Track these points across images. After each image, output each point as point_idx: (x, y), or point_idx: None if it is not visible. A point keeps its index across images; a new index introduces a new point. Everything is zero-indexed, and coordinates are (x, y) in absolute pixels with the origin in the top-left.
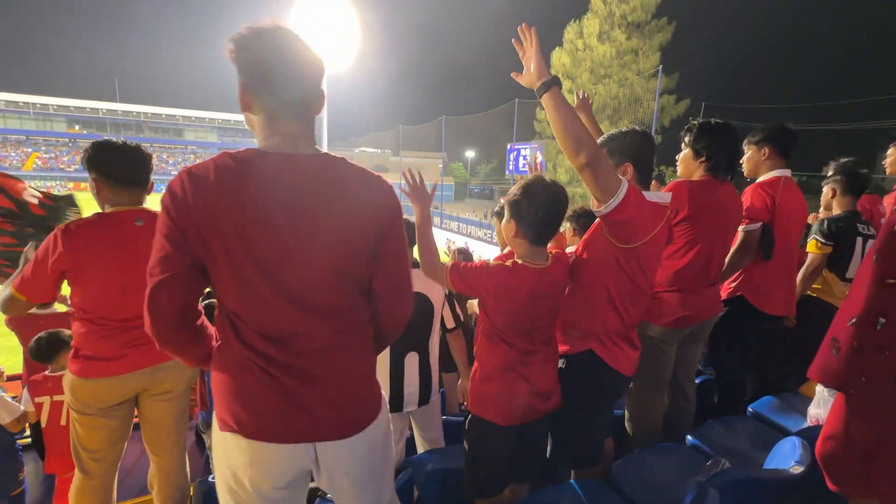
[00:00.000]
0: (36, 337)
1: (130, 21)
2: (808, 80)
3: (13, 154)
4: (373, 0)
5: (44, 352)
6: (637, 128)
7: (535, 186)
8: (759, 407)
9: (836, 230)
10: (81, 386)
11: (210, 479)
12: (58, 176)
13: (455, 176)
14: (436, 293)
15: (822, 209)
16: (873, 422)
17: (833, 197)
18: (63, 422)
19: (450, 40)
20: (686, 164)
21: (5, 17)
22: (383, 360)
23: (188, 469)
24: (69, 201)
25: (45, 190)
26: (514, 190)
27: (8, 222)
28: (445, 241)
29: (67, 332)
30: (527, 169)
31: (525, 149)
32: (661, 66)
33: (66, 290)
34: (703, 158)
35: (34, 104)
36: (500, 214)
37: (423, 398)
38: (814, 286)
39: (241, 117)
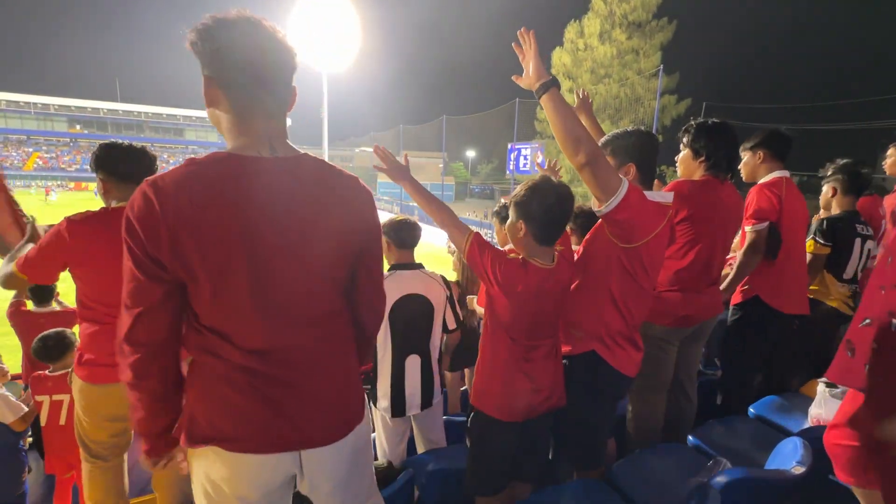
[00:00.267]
0: (42, 336)
1: (131, 21)
2: (808, 79)
3: (14, 154)
4: (373, 0)
5: (50, 352)
6: (641, 128)
7: (543, 186)
8: (760, 407)
9: (834, 231)
10: (91, 391)
11: None
12: (59, 176)
13: (456, 176)
14: (436, 294)
15: (821, 209)
16: (880, 419)
17: (833, 196)
18: (62, 421)
19: (450, 40)
20: (686, 164)
21: (6, 16)
22: (384, 364)
23: None
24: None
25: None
26: (520, 191)
27: None
28: (446, 240)
29: (72, 332)
30: (528, 169)
31: (526, 148)
32: (661, 66)
33: (65, 292)
34: (702, 158)
35: (35, 104)
36: (499, 214)
37: (426, 401)
38: (811, 287)
39: None
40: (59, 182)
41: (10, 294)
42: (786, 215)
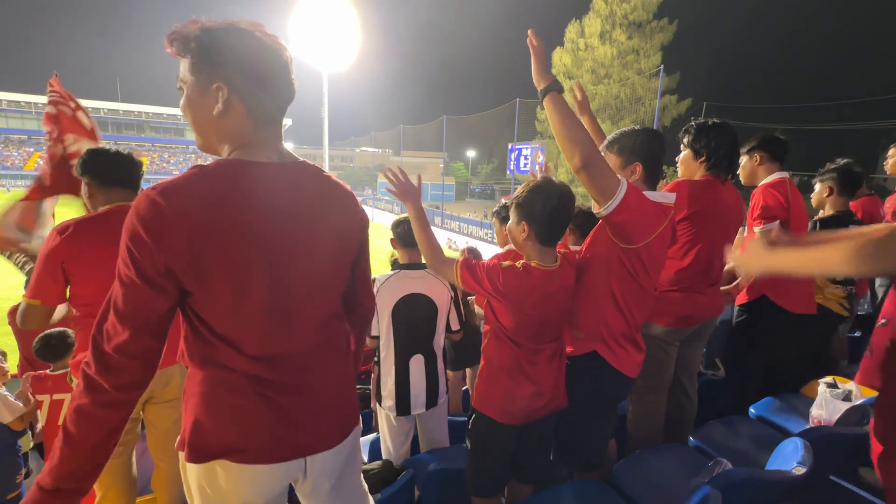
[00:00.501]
0: (44, 335)
1: (132, 20)
2: (808, 79)
3: (15, 154)
4: (373, 0)
5: (53, 351)
6: (649, 127)
7: (546, 187)
8: (761, 408)
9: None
10: None
11: None
12: None
13: (456, 175)
14: (439, 295)
15: (815, 207)
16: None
17: (828, 196)
18: (62, 421)
19: (451, 40)
20: (686, 164)
21: (7, 16)
22: (388, 364)
23: None
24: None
25: None
26: (521, 192)
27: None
28: (447, 240)
29: (73, 331)
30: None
31: (526, 148)
32: (662, 66)
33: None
34: (702, 158)
35: (36, 104)
36: (499, 214)
37: (431, 400)
38: None
39: None
40: None
41: (10, 294)
42: (792, 215)
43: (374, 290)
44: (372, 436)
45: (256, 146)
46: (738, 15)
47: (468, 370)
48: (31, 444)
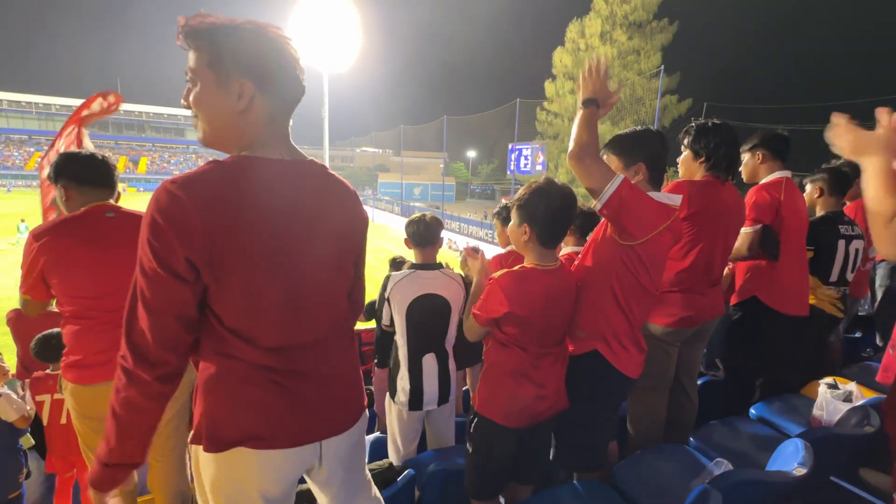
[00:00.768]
0: (44, 335)
1: (133, 20)
2: (809, 79)
3: (16, 153)
4: (373, 0)
5: (53, 350)
6: (651, 128)
7: (548, 188)
8: (761, 408)
9: (817, 234)
10: (82, 393)
11: None
12: None
13: (456, 176)
14: (453, 293)
15: (808, 208)
16: None
17: (819, 196)
18: (63, 420)
19: (451, 40)
20: (687, 165)
21: (7, 16)
22: (402, 361)
23: (189, 470)
24: None
25: None
26: (523, 193)
27: None
28: (447, 241)
29: None
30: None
31: (526, 149)
32: (662, 67)
33: None
34: (702, 159)
35: (37, 104)
36: (500, 215)
37: (443, 397)
38: None
39: None
40: None
41: (9, 294)
42: (787, 215)
43: (388, 288)
44: (372, 436)
45: (268, 143)
46: (739, 15)
47: (468, 370)
48: (32, 444)
